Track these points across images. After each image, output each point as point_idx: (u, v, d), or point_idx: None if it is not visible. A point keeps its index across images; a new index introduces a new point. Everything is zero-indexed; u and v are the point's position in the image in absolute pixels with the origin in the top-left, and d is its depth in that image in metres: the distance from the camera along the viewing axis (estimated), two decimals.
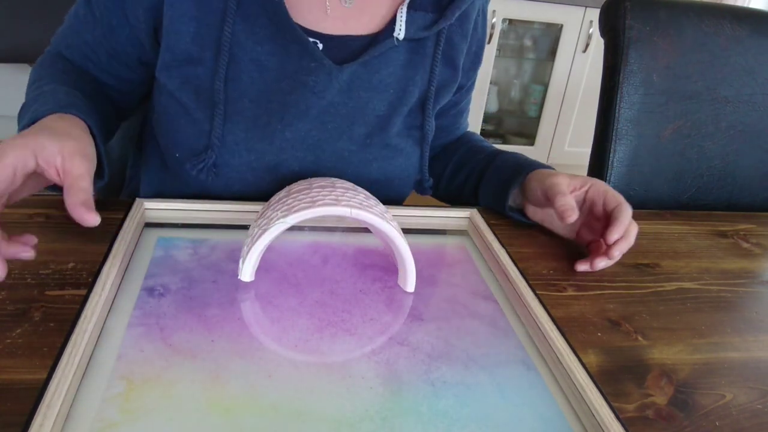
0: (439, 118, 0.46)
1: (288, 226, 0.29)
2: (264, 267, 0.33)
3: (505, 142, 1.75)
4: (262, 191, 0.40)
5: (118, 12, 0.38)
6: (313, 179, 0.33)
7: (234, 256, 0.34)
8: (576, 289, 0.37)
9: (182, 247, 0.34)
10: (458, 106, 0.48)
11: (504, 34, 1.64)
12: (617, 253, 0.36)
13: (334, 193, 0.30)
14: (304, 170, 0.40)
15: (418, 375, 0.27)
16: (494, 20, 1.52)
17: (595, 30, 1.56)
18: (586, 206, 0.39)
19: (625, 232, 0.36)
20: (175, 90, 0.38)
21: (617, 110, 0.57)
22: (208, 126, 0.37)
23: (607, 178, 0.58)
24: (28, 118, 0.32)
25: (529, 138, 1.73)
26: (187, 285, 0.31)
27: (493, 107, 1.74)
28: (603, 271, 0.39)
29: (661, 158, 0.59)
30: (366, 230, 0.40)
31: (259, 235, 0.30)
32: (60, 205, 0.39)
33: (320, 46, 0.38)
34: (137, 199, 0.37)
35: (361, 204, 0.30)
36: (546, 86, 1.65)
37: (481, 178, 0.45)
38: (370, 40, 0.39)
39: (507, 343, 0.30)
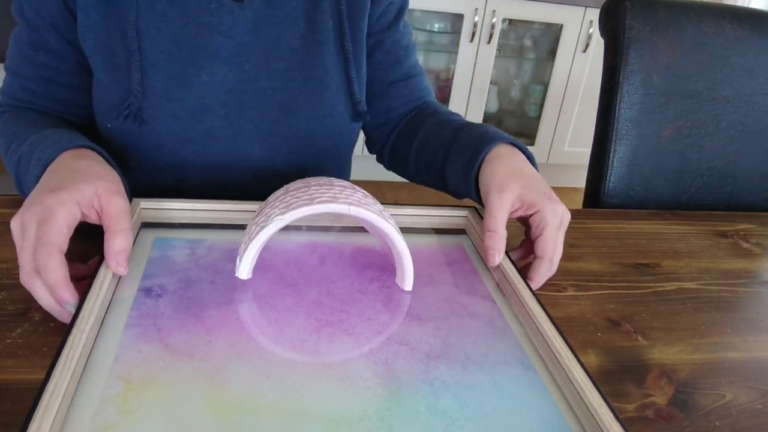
0: (379, 73, 0.45)
1: (286, 223, 0.29)
2: (261, 267, 0.33)
3: None
4: (194, 146, 0.40)
5: (44, 18, 0.38)
6: (310, 178, 0.33)
7: (231, 256, 0.34)
8: (576, 289, 0.37)
9: (179, 247, 0.34)
10: (390, 53, 0.45)
11: (504, 34, 1.64)
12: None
13: (332, 190, 0.30)
14: (229, 114, 0.40)
15: (416, 375, 0.27)
16: (494, 20, 1.52)
17: (595, 30, 1.56)
18: (527, 227, 0.34)
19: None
20: (91, 53, 0.38)
21: (617, 110, 0.57)
22: (126, 77, 0.38)
23: (607, 178, 0.58)
24: (38, 166, 0.31)
25: (529, 138, 1.73)
26: (184, 285, 0.31)
27: (493, 107, 1.74)
28: (603, 271, 0.39)
29: (661, 158, 0.59)
30: (363, 230, 0.40)
31: (257, 233, 0.30)
32: None
33: None
34: (134, 199, 0.37)
35: (359, 201, 0.30)
36: (546, 86, 1.65)
37: (446, 159, 0.40)
38: None
39: (505, 343, 0.30)
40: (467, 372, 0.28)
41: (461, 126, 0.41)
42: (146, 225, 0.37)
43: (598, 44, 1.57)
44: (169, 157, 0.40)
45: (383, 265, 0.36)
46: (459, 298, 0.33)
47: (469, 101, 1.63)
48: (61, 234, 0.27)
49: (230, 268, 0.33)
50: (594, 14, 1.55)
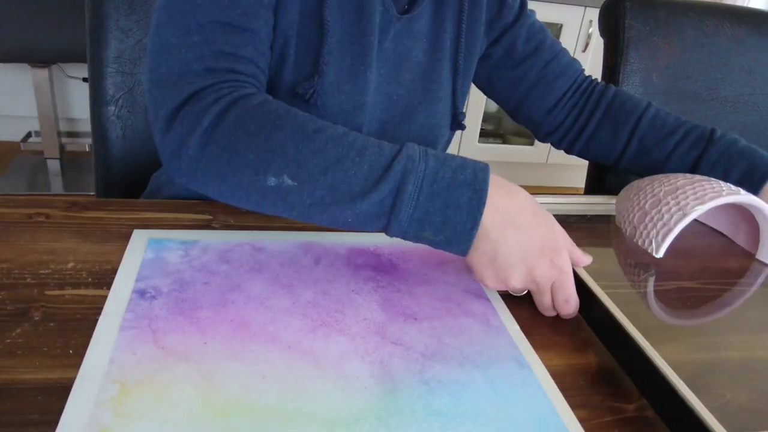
0: (528, 62, 0.48)
1: (703, 211, 0.38)
2: (256, 268, 0.33)
3: (504, 142, 1.75)
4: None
5: None
6: (672, 175, 0.42)
7: (225, 257, 0.34)
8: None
9: (173, 248, 0.34)
10: (531, 39, 0.48)
11: None
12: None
13: (711, 183, 0.39)
14: (379, 114, 0.43)
15: (412, 374, 0.27)
16: None
17: (594, 29, 1.56)
18: None
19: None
20: (285, 29, 0.37)
21: None
22: (312, 54, 0.38)
23: (607, 178, 0.58)
24: (477, 185, 0.29)
25: (529, 138, 1.73)
26: (178, 287, 0.31)
27: (493, 107, 1.74)
28: (602, 271, 0.39)
29: None
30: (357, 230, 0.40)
31: (680, 218, 0.37)
32: (59, 204, 0.40)
33: None
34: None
35: (733, 190, 0.38)
36: None
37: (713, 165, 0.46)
38: None
39: (500, 341, 0.30)
40: (463, 371, 0.28)
41: (710, 138, 0.47)
42: (139, 226, 0.37)
43: (597, 44, 1.56)
44: None
45: (378, 265, 0.36)
46: (454, 297, 0.33)
47: (469, 101, 1.63)
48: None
49: (224, 270, 0.33)
50: (594, 14, 1.55)
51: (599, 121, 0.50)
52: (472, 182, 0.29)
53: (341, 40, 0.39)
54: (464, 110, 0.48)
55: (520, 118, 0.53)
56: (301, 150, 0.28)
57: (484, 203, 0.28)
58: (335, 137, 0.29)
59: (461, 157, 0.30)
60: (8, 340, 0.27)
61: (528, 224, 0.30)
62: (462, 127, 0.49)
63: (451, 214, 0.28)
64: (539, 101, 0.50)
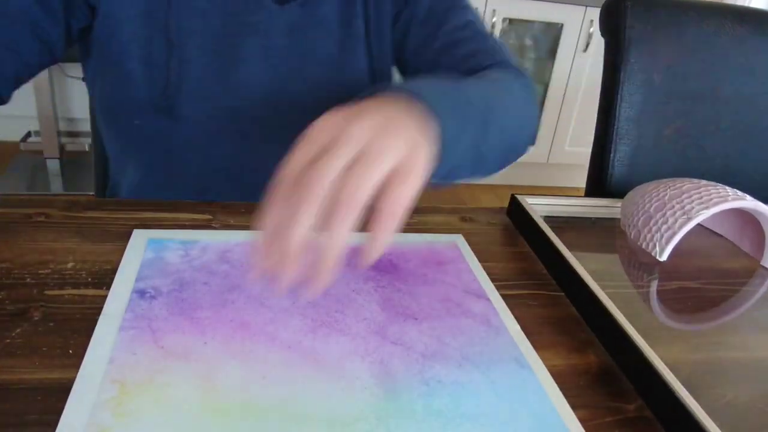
0: (421, 49, 0.41)
1: (707, 216, 0.38)
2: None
3: None
4: (224, 147, 0.39)
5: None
6: (677, 179, 0.41)
7: (225, 258, 0.34)
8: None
9: (173, 248, 0.34)
10: (427, 22, 0.41)
11: (504, 33, 1.64)
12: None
13: (716, 188, 0.40)
14: (262, 116, 0.39)
15: (412, 374, 0.27)
16: (494, 20, 1.51)
17: (595, 29, 1.56)
18: None
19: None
20: (126, 43, 0.37)
21: (618, 110, 0.57)
22: (162, 71, 0.37)
23: (608, 178, 0.58)
24: None
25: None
26: (178, 287, 0.31)
27: None
28: (602, 271, 0.39)
29: (662, 158, 0.59)
30: (357, 230, 0.40)
31: (684, 222, 0.37)
32: (59, 204, 0.40)
33: None
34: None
35: (737, 195, 0.39)
36: (546, 86, 1.65)
37: None
38: None
39: (500, 342, 0.30)
40: (463, 371, 0.28)
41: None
42: (139, 226, 0.37)
43: (598, 44, 1.56)
44: (199, 157, 0.40)
45: (378, 265, 0.36)
46: (454, 298, 0.33)
47: None
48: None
49: (224, 270, 0.33)
50: (594, 14, 1.55)
51: None
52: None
53: (203, 45, 0.37)
54: None
55: None
56: None
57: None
58: None
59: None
60: (8, 340, 0.27)
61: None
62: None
63: None
64: None
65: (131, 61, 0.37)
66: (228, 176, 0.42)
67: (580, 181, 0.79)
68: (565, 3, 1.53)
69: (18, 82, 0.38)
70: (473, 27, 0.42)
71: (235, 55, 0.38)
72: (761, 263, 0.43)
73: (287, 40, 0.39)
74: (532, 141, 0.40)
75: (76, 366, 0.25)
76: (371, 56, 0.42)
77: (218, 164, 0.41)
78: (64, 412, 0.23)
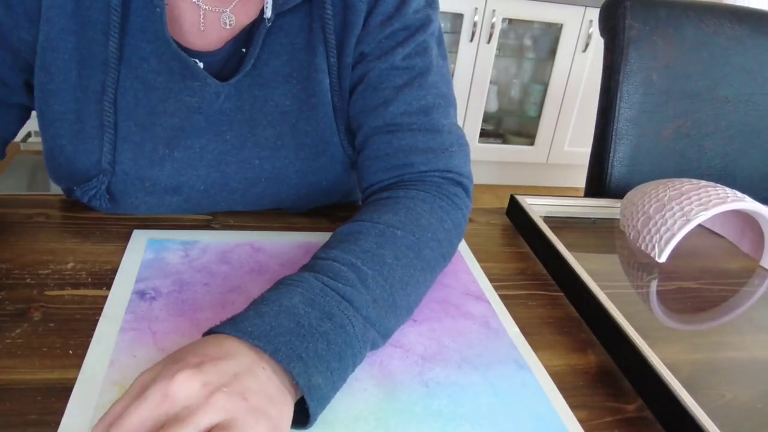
0: (365, 118, 0.35)
1: (707, 217, 0.38)
2: (256, 269, 0.33)
3: (504, 142, 1.75)
4: (172, 209, 0.37)
5: None
6: (677, 179, 0.43)
7: (225, 258, 0.34)
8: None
9: (173, 249, 0.34)
10: (377, 91, 0.34)
11: (504, 33, 1.64)
12: None
13: (716, 190, 0.40)
14: (209, 188, 0.36)
15: (411, 376, 0.27)
16: (494, 20, 1.51)
17: (595, 29, 1.56)
18: None
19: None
20: (53, 119, 0.34)
21: (617, 110, 0.57)
22: (94, 150, 0.34)
23: (607, 178, 0.58)
24: None
25: (529, 138, 1.73)
26: (178, 288, 0.31)
27: (493, 107, 1.74)
28: (602, 272, 0.39)
29: (661, 158, 0.59)
30: None
31: (683, 224, 0.37)
32: (59, 204, 0.40)
33: (201, 64, 0.34)
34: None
35: (737, 196, 0.39)
36: (546, 86, 1.65)
37: None
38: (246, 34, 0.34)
39: (499, 343, 0.30)
40: (462, 373, 0.28)
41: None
42: (139, 226, 0.37)
43: (598, 44, 1.56)
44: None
45: None
46: (453, 300, 0.33)
47: (469, 101, 1.63)
48: None
49: (224, 271, 0.33)
50: (594, 14, 1.55)
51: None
52: None
53: (143, 123, 0.34)
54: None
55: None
56: None
57: None
58: None
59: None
60: (8, 341, 0.27)
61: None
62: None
63: None
64: (360, 171, 0.37)
65: (60, 137, 0.34)
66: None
67: (580, 181, 0.79)
68: (565, 3, 1.53)
69: (5, 144, 0.37)
70: (427, 115, 0.35)
71: (173, 136, 0.35)
72: (760, 264, 0.43)
73: (232, 103, 0.35)
74: (455, 249, 0.34)
75: (76, 366, 0.25)
76: (335, 108, 0.36)
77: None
78: (65, 415, 0.23)
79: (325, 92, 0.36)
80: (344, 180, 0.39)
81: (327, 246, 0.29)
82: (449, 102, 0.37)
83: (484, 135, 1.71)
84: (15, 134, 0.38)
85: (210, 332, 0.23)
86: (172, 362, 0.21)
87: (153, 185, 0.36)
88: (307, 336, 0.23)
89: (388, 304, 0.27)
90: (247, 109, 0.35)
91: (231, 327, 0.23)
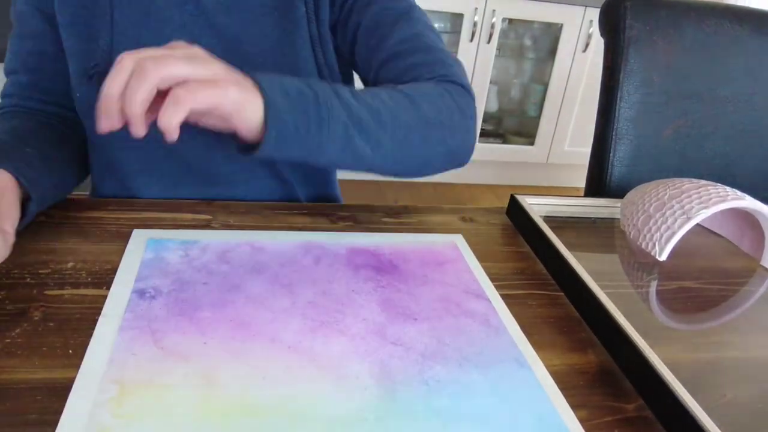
0: (368, 56, 0.41)
1: (707, 215, 0.38)
2: (256, 268, 0.33)
3: (505, 142, 1.75)
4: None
5: (29, 4, 0.39)
6: (677, 179, 0.42)
7: (225, 257, 0.34)
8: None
9: (172, 248, 0.34)
10: (371, 31, 0.41)
11: (504, 33, 1.64)
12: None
13: (716, 188, 0.39)
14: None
15: (412, 374, 0.27)
16: (494, 20, 1.52)
17: (595, 30, 1.56)
18: None
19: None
20: (67, 24, 0.39)
21: (617, 110, 0.57)
22: (96, 42, 0.39)
23: (607, 178, 0.58)
24: None
25: (529, 138, 1.73)
26: (178, 287, 0.31)
27: (493, 107, 1.74)
28: (602, 271, 0.39)
29: (662, 158, 0.59)
30: (358, 230, 0.40)
31: (684, 222, 0.37)
32: (59, 204, 0.40)
33: None
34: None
35: (737, 195, 0.39)
36: (546, 86, 1.65)
37: None
38: None
39: (500, 341, 0.30)
40: (463, 371, 0.28)
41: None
42: (139, 226, 0.37)
43: (598, 44, 1.56)
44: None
45: (378, 265, 0.36)
46: (453, 298, 0.33)
47: None
48: None
49: (224, 270, 0.33)
50: (594, 14, 1.55)
51: None
52: None
53: (135, 20, 0.39)
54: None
55: None
56: None
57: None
58: None
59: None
60: (8, 340, 0.27)
61: None
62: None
63: None
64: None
65: (71, 39, 0.40)
66: (170, 151, 0.41)
67: (580, 181, 0.79)
68: (565, 3, 1.53)
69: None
70: (420, 39, 0.41)
71: (166, 29, 0.39)
72: (761, 263, 0.43)
73: (222, 18, 0.40)
74: (464, 150, 0.39)
75: (76, 366, 0.25)
76: (311, 37, 0.41)
77: (157, 135, 0.41)
78: (64, 412, 0.23)
79: (300, 18, 0.41)
80: None
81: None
82: (436, 32, 0.43)
83: (484, 135, 1.71)
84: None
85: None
86: None
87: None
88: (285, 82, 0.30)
89: (368, 105, 0.32)
90: (235, 27, 0.40)
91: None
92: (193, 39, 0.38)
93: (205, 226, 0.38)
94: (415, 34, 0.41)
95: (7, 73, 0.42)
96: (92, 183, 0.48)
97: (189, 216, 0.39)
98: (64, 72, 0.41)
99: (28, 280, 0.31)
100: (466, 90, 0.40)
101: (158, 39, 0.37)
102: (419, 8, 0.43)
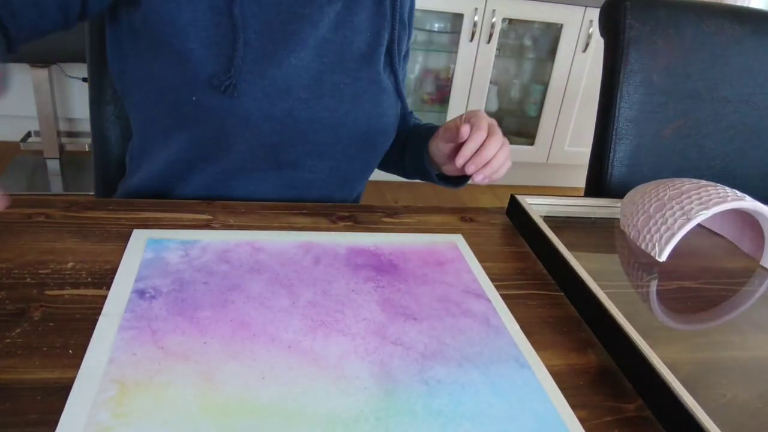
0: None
1: (707, 216, 0.38)
2: (256, 269, 0.33)
3: None
4: (274, 124, 0.43)
5: None
6: (677, 179, 0.43)
7: (225, 257, 0.34)
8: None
9: (173, 248, 0.34)
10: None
11: (504, 33, 1.64)
12: (469, 165, 0.39)
13: (717, 189, 0.40)
14: (309, 98, 0.44)
15: (412, 374, 0.27)
16: (494, 20, 1.52)
17: (595, 30, 1.56)
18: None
19: (482, 144, 0.39)
20: (185, 25, 0.40)
21: (617, 110, 0.57)
22: (224, 52, 0.41)
23: (607, 178, 0.58)
24: None
25: (529, 138, 1.73)
26: (178, 287, 0.31)
27: (493, 107, 1.74)
28: (602, 271, 0.39)
29: (662, 158, 0.59)
30: (358, 230, 0.40)
31: (684, 223, 0.38)
32: (59, 204, 0.40)
33: None
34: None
35: (737, 195, 0.39)
36: (546, 86, 1.65)
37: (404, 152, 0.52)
38: None
39: (500, 341, 0.30)
40: (462, 371, 0.28)
41: (414, 126, 0.53)
42: (139, 226, 0.37)
43: (598, 44, 1.56)
44: (249, 133, 0.43)
45: (378, 265, 0.36)
46: (453, 298, 0.33)
47: (469, 101, 1.63)
48: None
49: (224, 270, 0.33)
50: (594, 14, 1.55)
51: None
52: None
53: (261, 30, 0.41)
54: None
55: None
56: None
57: None
58: None
59: None
60: (8, 340, 0.27)
61: None
62: (406, 118, 0.54)
63: None
64: None
65: (189, 41, 0.40)
66: (268, 153, 0.45)
67: (580, 181, 0.79)
68: (565, 3, 1.53)
69: (27, 39, 0.40)
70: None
71: (289, 42, 0.43)
72: (760, 263, 0.43)
73: (331, 34, 0.45)
74: None
75: (76, 366, 0.25)
76: (391, 57, 0.48)
77: (266, 140, 0.44)
78: (64, 411, 0.23)
79: (384, 42, 0.48)
80: (394, 125, 0.50)
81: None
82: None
83: None
84: (39, 36, 0.40)
85: None
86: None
87: (270, 83, 0.42)
88: None
89: None
90: (339, 43, 0.45)
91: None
92: (308, 53, 0.44)
93: (205, 226, 0.38)
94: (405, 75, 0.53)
95: None
96: (153, 184, 0.47)
97: (189, 216, 0.39)
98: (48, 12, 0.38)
99: (28, 280, 0.31)
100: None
101: (282, 51, 0.42)
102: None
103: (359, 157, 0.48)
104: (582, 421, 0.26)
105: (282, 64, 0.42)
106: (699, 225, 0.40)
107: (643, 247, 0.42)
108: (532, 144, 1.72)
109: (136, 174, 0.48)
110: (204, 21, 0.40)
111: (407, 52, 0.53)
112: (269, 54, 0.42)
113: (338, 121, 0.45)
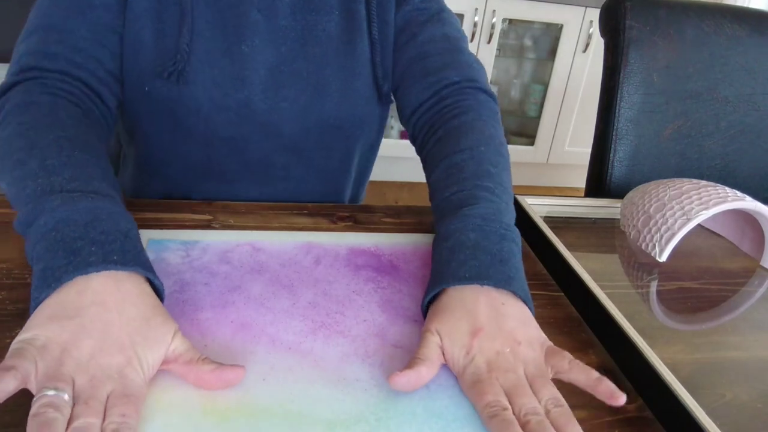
0: (397, 55, 0.44)
1: (707, 216, 0.38)
2: (256, 269, 0.33)
3: None
4: (229, 115, 0.41)
5: None
6: (677, 179, 0.42)
7: (226, 258, 0.34)
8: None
9: (173, 249, 0.34)
10: (404, 30, 0.43)
11: (504, 33, 1.64)
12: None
13: (716, 189, 0.39)
14: (266, 89, 0.41)
15: None
16: (494, 20, 1.52)
17: (595, 30, 1.56)
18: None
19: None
20: (140, 13, 0.38)
21: (617, 110, 0.57)
22: (173, 39, 0.39)
23: (608, 178, 0.58)
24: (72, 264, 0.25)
25: (529, 138, 1.73)
26: (179, 288, 0.31)
27: None
28: (602, 271, 0.39)
29: (662, 158, 0.59)
30: (358, 230, 0.40)
31: (684, 223, 0.38)
32: None
33: None
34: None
35: (737, 195, 0.39)
36: (546, 86, 1.65)
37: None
38: None
39: None
40: None
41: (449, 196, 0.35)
42: (140, 227, 0.37)
43: (598, 44, 1.56)
44: (203, 125, 0.41)
45: (378, 266, 0.36)
46: None
47: None
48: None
49: (225, 271, 0.33)
50: (594, 14, 1.55)
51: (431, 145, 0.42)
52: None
53: (213, 19, 0.40)
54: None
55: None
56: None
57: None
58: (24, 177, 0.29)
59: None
60: (8, 340, 0.26)
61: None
62: (387, 101, 0.46)
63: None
64: (403, 101, 0.44)
65: (142, 30, 0.39)
66: (232, 149, 0.43)
67: (580, 181, 0.79)
68: (565, 3, 1.53)
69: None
70: (448, 41, 0.44)
71: (240, 31, 0.40)
72: (761, 263, 0.43)
73: (287, 21, 0.41)
74: None
75: None
76: (371, 38, 0.43)
77: (223, 133, 0.42)
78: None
79: (361, 20, 0.42)
80: (373, 114, 0.46)
81: (443, 181, 0.36)
82: (464, 35, 0.46)
83: None
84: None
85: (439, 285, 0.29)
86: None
87: (221, 73, 0.40)
88: (501, 258, 0.30)
89: (506, 201, 0.35)
90: (299, 29, 0.41)
91: (452, 279, 0.29)
92: (262, 42, 0.40)
93: (206, 226, 0.38)
94: (444, 34, 0.44)
95: (45, 30, 0.36)
96: (133, 184, 0.47)
97: (189, 216, 0.39)
98: (116, 46, 0.38)
99: (28, 280, 0.31)
100: (494, 100, 0.44)
101: (233, 39, 0.40)
102: (450, 11, 0.46)
103: (336, 149, 0.45)
104: (582, 421, 0.26)
105: (233, 52, 0.40)
106: (699, 225, 0.41)
107: (643, 247, 0.42)
108: (532, 144, 1.72)
109: (124, 174, 0.48)
110: (157, 9, 0.38)
111: (436, 13, 0.43)
112: (219, 43, 0.40)
113: (301, 112, 0.42)
